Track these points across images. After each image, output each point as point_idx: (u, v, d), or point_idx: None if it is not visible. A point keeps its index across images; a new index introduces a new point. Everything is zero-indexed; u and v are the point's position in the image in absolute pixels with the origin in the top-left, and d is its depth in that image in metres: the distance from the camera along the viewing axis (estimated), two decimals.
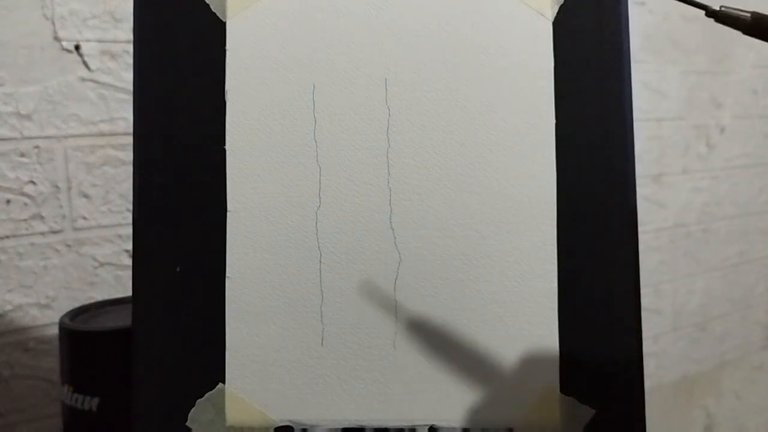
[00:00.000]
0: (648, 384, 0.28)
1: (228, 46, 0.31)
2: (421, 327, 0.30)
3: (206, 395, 0.30)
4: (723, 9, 0.23)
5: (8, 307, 0.60)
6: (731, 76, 0.97)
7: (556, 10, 0.31)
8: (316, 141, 0.31)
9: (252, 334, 0.30)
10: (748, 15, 0.22)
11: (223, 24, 0.31)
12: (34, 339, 0.61)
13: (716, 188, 0.96)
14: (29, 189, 0.59)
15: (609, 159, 0.30)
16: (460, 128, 0.31)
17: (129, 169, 0.32)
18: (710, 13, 0.23)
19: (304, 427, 0.30)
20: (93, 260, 0.62)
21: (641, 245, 0.30)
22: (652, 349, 0.90)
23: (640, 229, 0.30)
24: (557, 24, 0.31)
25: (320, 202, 0.30)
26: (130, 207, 0.31)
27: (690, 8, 0.25)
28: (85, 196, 0.61)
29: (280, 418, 0.30)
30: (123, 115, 0.61)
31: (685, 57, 0.89)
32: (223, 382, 0.30)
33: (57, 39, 0.58)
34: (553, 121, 0.31)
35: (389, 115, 0.31)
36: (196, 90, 0.31)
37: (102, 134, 0.61)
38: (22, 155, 0.58)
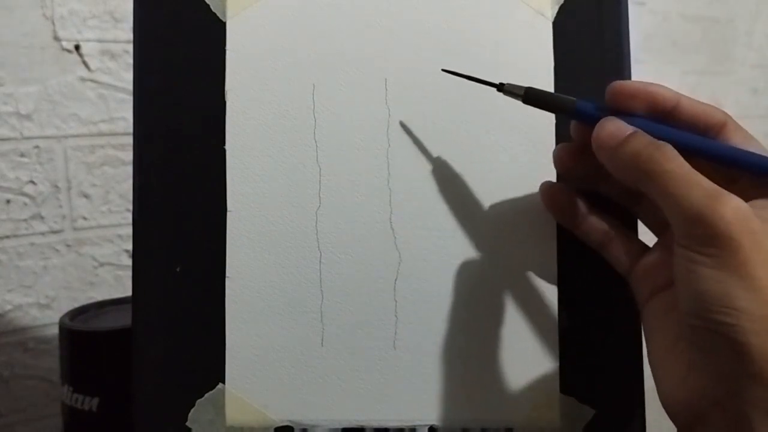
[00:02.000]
0: (648, 384, 0.28)
1: (228, 46, 0.31)
2: (421, 327, 0.30)
3: (206, 395, 0.30)
4: (506, 85, 0.28)
5: (8, 307, 0.60)
6: (731, 76, 0.97)
7: (556, 10, 0.31)
8: (316, 141, 0.31)
9: (252, 334, 0.30)
10: (522, 88, 0.28)
11: (223, 24, 0.31)
12: (34, 339, 0.61)
13: None
14: (29, 189, 0.59)
15: None
16: (460, 128, 0.31)
17: (129, 169, 0.32)
18: (498, 89, 0.28)
19: (304, 427, 0.30)
20: (93, 260, 0.62)
21: None
22: None
23: (640, 228, 0.30)
24: (557, 24, 0.31)
25: (320, 202, 0.30)
26: (130, 207, 0.31)
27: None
28: (85, 196, 0.61)
29: (280, 418, 0.30)
30: (123, 115, 0.61)
31: (685, 57, 0.89)
32: (223, 382, 0.30)
33: (57, 39, 0.58)
34: (554, 120, 0.31)
35: (389, 115, 0.31)
36: (196, 90, 0.30)
37: (102, 134, 0.61)
38: (22, 155, 0.58)
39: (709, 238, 0.22)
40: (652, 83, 0.27)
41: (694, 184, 0.23)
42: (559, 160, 0.29)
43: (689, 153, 0.25)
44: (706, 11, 0.92)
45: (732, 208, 0.22)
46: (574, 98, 0.27)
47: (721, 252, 0.22)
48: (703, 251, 0.22)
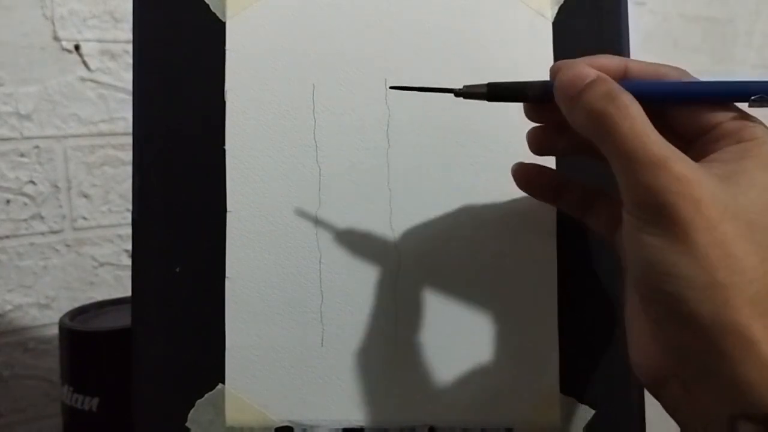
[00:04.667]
0: None
1: (228, 46, 0.31)
2: (421, 327, 0.30)
3: (206, 396, 0.30)
4: (465, 87, 0.26)
5: (8, 307, 0.60)
6: (731, 76, 0.97)
7: (555, 11, 0.31)
8: (316, 141, 0.31)
9: (252, 334, 0.30)
10: (485, 85, 0.26)
11: (223, 24, 0.31)
12: (34, 339, 0.61)
13: None
14: (29, 189, 0.59)
15: None
16: (460, 128, 0.31)
17: (129, 169, 0.32)
18: (457, 94, 0.26)
19: (304, 427, 0.30)
20: (93, 260, 0.62)
21: None
22: None
23: None
24: (557, 24, 0.31)
25: (320, 202, 0.30)
26: (130, 207, 0.31)
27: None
28: (85, 196, 0.61)
29: (280, 418, 0.30)
30: (123, 115, 0.61)
31: (685, 57, 0.89)
32: (223, 383, 0.30)
33: (57, 39, 0.58)
34: None
35: (389, 115, 0.31)
36: (196, 90, 0.30)
37: (102, 134, 0.61)
38: (22, 155, 0.58)
39: (651, 206, 0.21)
40: (595, 56, 0.25)
41: (639, 149, 0.22)
42: (533, 144, 0.29)
43: (665, 100, 0.24)
44: (706, 11, 0.92)
45: (674, 177, 0.21)
46: (545, 80, 0.26)
47: (663, 220, 0.21)
48: (647, 219, 0.22)
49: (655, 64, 0.26)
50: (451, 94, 0.27)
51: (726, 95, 0.24)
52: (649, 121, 0.22)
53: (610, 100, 0.23)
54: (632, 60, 0.26)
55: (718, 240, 0.21)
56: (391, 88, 0.29)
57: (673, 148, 0.22)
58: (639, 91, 0.24)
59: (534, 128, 0.29)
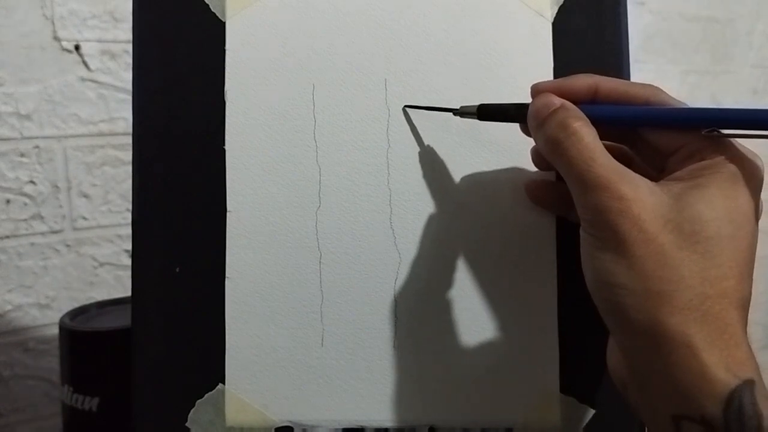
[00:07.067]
0: None
1: (227, 46, 0.31)
2: (421, 327, 0.30)
3: (206, 396, 0.30)
4: (461, 108, 0.29)
5: (8, 307, 0.60)
6: (731, 76, 0.97)
7: (555, 11, 0.31)
8: (316, 141, 0.31)
9: (252, 335, 0.30)
10: (475, 106, 0.28)
11: (223, 24, 0.31)
12: (34, 339, 0.61)
13: None
14: (29, 189, 0.59)
15: None
16: (460, 128, 0.31)
17: (129, 169, 0.32)
18: (455, 113, 0.29)
19: (304, 427, 0.30)
20: (93, 260, 0.62)
21: None
22: None
23: None
24: (557, 24, 0.31)
25: (320, 202, 0.30)
26: (130, 207, 0.31)
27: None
28: (85, 196, 0.61)
29: (280, 418, 0.30)
30: (123, 115, 0.61)
31: (685, 57, 0.89)
32: (223, 383, 0.30)
33: (57, 39, 0.58)
34: None
35: (389, 115, 0.31)
36: (196, 90, 0.30)
37: (102, 134, 0.61)
38: (22, 155, 0.58)
39: (598, 224, 0.23)
40: (569, 77, 0.27)
41: (586, 173, 0.24)
42: (534, 161, 0.30)
43: (626, 124, 0.26)
44: (706, 11, 0.92)
45: (616, 197, 0.23)
46: (526, 102, 0.27)
47: (607, 236, 0.23)
48: (596, 235, 0.24)
49: (625, 83, 0.27)
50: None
51: (678, 124, 0.25)
52: (600, 145, 0.24)
53: (563, 128, 0.25)
54: (604, 79, 0.27)
55: (655, 251, 0.22)
56: (405, 107, 0.30)
57: (620, 169, 0.24)
58: (600, 116, 0.25)
59: (535, 145, 0.29)
